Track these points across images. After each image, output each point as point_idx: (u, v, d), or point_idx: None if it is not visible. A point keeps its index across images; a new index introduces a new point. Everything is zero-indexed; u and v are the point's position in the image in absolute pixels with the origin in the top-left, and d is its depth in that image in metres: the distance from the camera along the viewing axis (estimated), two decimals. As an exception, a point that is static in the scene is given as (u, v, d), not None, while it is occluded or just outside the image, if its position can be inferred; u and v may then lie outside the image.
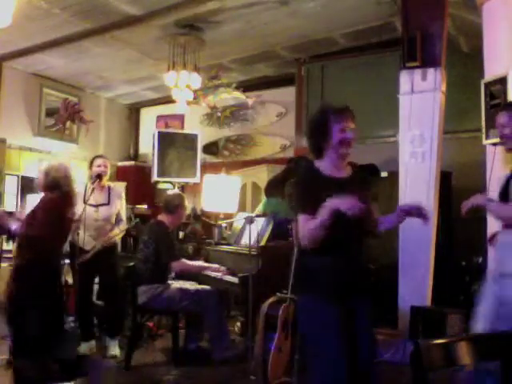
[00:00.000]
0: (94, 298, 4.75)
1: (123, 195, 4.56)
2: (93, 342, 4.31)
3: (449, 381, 2.44)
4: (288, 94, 7.27)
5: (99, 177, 4.27)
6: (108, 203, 4.35)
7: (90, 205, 4.27)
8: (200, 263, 4.53)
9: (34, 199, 6.90)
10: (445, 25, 4.40)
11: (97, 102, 8.36)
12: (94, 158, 4.49)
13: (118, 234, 4.40)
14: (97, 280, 4.62)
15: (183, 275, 4.34)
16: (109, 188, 4.45)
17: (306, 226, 2.18)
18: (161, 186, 6.83)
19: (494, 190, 2.71)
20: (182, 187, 6.28)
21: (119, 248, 4.98)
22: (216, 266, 4.30)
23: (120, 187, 4.56)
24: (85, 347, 4.20)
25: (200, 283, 4.28)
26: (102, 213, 4.30)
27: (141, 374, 3.84)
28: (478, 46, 4.10)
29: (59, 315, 3.36)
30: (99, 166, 4.37)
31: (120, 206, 4.46)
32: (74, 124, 7.65)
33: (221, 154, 7.91)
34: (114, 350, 4.20)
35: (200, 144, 6.20)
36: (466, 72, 5.28)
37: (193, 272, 4.36)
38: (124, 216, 4.53)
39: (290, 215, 3.98)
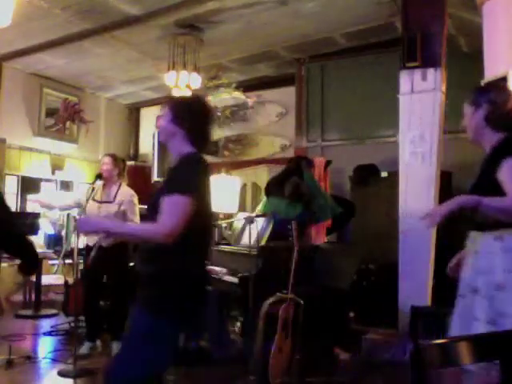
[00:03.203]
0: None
1: (133, 199, 4.43)
2: (98, 342, 4.32)
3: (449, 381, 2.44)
4: (288, 93, 7.27)
5: (99, 176, 4.27)
6: (111, 201, 4.33)
7: (95, 201, 4.29)
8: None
9: (34, 199, 6.96)
10: (445, 25, 4.40)
11: (97, 102, 8.35)
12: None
13: None
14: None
15: None
16: (119, 186, 4.44)
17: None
18: (161, 186, 6.82)
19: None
20: (182, 187, 6.26)
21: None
22: (217, 268, 4.29)
23: (130, 190, 4.50)
24: (89, 346, 4.24)
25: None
26: (103, 209, 4.29)
27: (141, 374, 3.83)
28: (478, 45, 4.09)
29: None
30: (102, 164, 4.41)
31: (127, 207, 4.33)
32: (74, 124, 7.66)
33: (221, 154, 7.91)
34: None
35: (200, 144, 6.18)
36: (466, 72, 5.27)
37: None
38: (135, 218, 4.36)
39: (290, 215, 3.99)
